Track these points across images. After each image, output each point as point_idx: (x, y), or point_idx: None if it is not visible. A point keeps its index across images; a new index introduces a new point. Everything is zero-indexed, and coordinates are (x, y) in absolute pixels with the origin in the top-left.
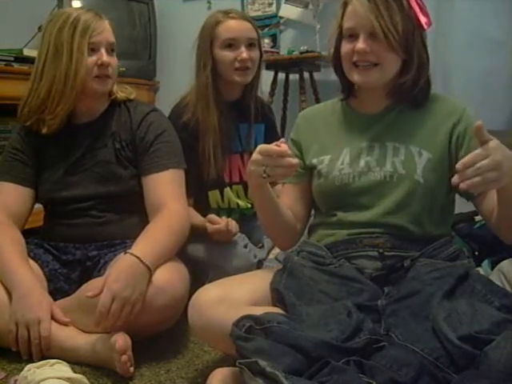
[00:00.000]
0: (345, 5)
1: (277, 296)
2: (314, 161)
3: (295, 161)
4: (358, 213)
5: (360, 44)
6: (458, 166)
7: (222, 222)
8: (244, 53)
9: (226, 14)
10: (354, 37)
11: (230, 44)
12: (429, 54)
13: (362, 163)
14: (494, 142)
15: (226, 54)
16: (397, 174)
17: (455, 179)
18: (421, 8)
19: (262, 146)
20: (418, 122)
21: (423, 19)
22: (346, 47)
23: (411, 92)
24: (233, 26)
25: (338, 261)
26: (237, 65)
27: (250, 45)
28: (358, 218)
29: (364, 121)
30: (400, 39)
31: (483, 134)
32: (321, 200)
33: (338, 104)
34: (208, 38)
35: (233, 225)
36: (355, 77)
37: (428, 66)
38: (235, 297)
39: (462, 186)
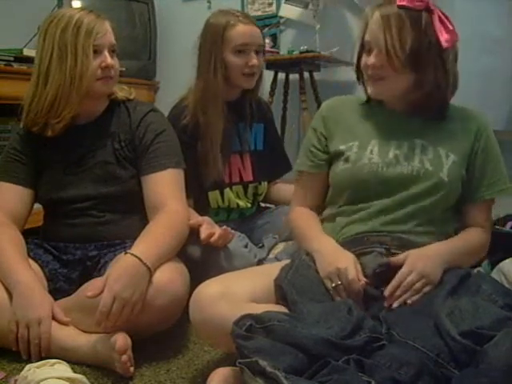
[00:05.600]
0: (366, 19)
1: (280, 292)
2: (342, 147)
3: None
4: (377, 202)
5: (371, 58)
6: (387, 292)
7: (217, 232)
8: (254, 59)
9: (235, 16)
10: (370, 51)
11: (241, 50)
12: (451, 74)
13: (390, 155)
14: (411, 256)
15: (237, 60)
16: (424, 169)
17: (387, 303)
18: (444, 25)
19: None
20: (443, 128)
21: (444, 37)
22: (363, 60)
23: (426, 106)
24: (245, 32)
25: None
26: (245, 70)
27: (258, 51)
28: (377, 207)
29: (392, 117)
30: (406, 56)
31: (397, 260)
32: (343, 187)
33: (363, 99)
34: (219, 41)
35: (228, 232)
36: (368, 89)
37: (446, 86)
38: (236, 292)
39: (395, 305)
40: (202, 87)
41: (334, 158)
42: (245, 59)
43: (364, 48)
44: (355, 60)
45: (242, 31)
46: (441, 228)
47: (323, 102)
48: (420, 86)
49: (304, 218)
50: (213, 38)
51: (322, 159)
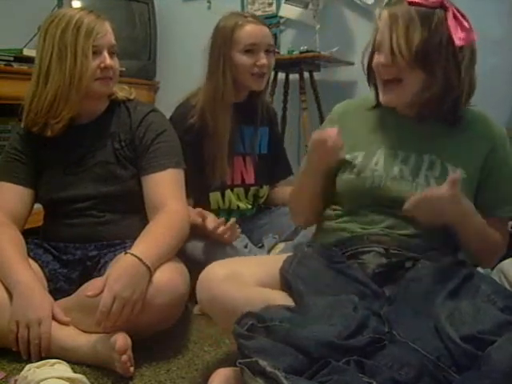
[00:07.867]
0: (377, 19)
1: (285, 282)
2: (348, 156)
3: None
4: (379, 210)
5: (380, 57)
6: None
7: (227, 224)
8: (264, 59)
9: (244, 17)
10: (380, 51)
11: (250, 49)
12: (466, 75)
13: (395, 170)
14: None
15: (245, 59)
16: (429, 188)
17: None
18: (459, 22)
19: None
20: (455, 138)
21: (459, 35)
22: (375, 60)
23: (437, 109)
24: (254, 31)
25: (346, 259)
26: (255, 70)
27: (268, 51)
28: (379, 215)
29: (402, 124)
30: (413, 55)
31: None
32: (346, 196)
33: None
34: (228, 42)
35: (235, 227)
36: (381, 96)
37: (458, 86)
38: (243, 274)
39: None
40: (212, 89)
41: (340, 166)
42: (254, 59)
43: (376, 49)
44: (363, 60)
45: (250, 31)
46: (444, 231)
47: (323, 102)
48: (429, 86)
49: None
50: (222, 40)
51: None
